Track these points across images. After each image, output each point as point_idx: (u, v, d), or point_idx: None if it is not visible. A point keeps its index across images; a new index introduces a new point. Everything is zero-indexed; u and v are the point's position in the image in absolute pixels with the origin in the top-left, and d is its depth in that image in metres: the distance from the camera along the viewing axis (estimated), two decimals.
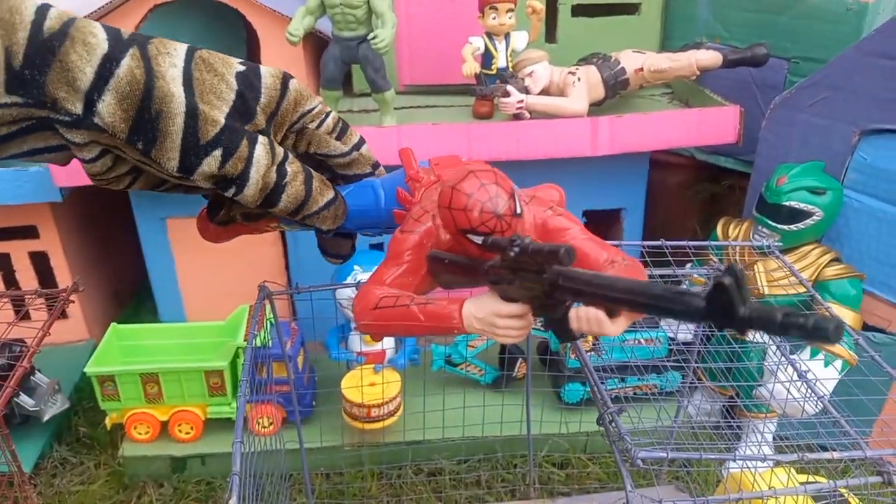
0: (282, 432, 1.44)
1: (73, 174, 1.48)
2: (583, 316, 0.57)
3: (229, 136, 0.62)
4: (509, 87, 1.53)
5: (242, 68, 0.65)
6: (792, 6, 1.62)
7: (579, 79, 1.58)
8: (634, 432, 0.91)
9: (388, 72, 1.53)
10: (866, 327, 1.46)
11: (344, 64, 1.54)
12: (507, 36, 1.58)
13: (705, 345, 1.40)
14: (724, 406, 1.60)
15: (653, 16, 1.85)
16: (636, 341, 1.56)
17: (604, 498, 1.43)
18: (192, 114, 0.60)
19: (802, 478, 1.09)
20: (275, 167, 0.66)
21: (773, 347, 1.28)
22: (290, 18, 1.47)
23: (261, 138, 0.65)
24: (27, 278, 1.78)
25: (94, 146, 0.61)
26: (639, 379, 1.58)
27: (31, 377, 1.52)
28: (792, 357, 1.15)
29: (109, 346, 1.55)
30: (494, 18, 1.54)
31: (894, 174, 1.38)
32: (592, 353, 1.55)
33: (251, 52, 1.82)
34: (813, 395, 1.03)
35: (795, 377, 1.10)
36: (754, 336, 1.46)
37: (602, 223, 1.85)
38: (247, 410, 0.92)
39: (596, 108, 1.63)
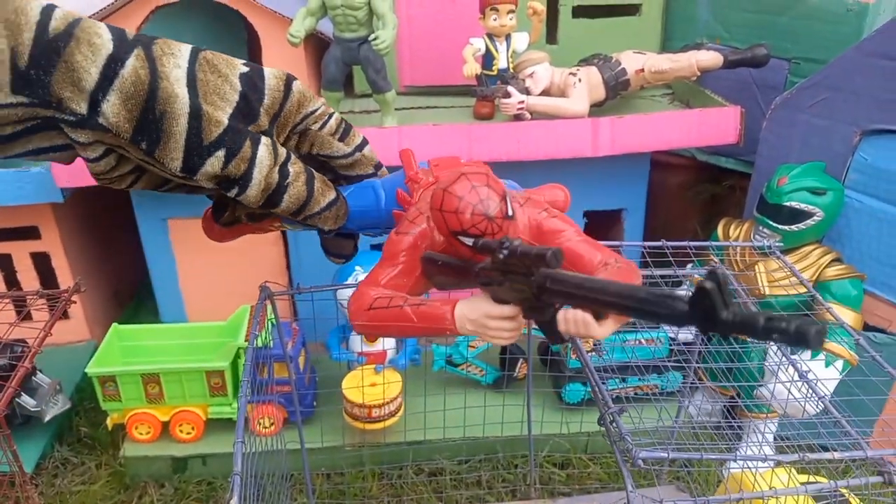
0: (283, 432, 1.45)
1: (75, 175, 1.48)
2: (570, 318, 0.57)
3: (232, 137, 0.62)
4: (510, 88, 1.54)
5: (246, 70, 0.65)
6: (792, 7, 1.62)
7: (580, 80, 1.58)
8: (635, 432, 0.91)
9: (388, 73, 1.53)
10: (867, 327, 1.46)
11: (345, 65, 1.54)
12: (507, 37, 1.58)
13: (706, 345, 1.40)
14: (724, 406, 1.60)
15: (653, 17, 1.85)
16: (637, 341, 1.56)
17: (605, 498, 1.43)
18: (196, 114, 0.60)
19: (803, 478, 1.09)
20: (277, 168, 0.66)
21: (774, 347, 1.28)
22: (291, 20, 1.48)
23: (264, 139, 0.65)
24: (28, 279, 1.79)
25: (98, 146, 0.61)
26: (640, 379, 1.59)
27: (33, 377, 1.52)
28: (793, 357, 1.15)
29: (110, 346, 1.56)
30: (495, 19, 1.54)
31: (894, 174, 1.38)
32: (593, 353, 1.56)
33: (252, 53, 1.83)
34: (814, 395, 1.03)
35: (796, 377, 1.10)
36: None
37: (603, 224, 1.85)
38: (248, 411, 0.93)
39: (597, 108, 1.63)
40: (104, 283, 1.98)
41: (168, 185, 0.70)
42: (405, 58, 1.80)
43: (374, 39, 1.43)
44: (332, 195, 0.73)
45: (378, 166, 0.78)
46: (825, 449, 0.91)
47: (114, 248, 2.02)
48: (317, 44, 1.74)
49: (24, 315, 1.35)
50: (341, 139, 0.73)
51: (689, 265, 1.37)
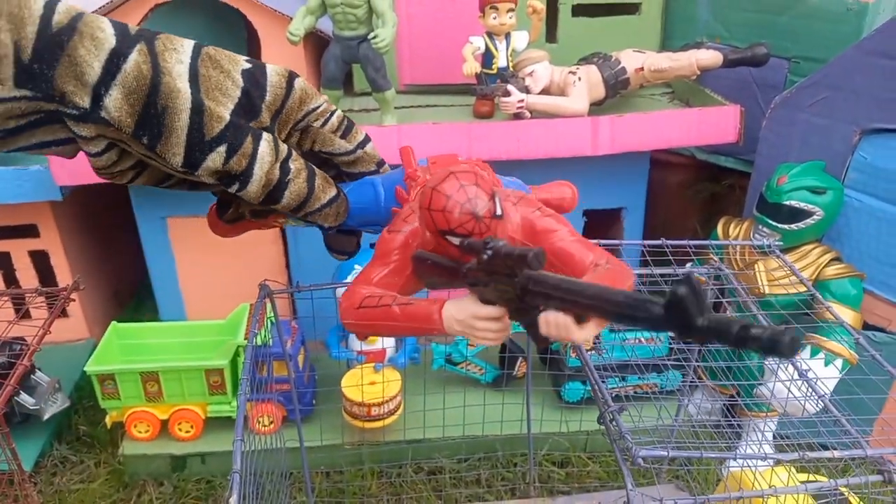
0: (282, 431, 1.45)
1: (74, 173, 1.48)
2: (550, 321, 0.56)
3: (234, 133, 0.62)
4: (510, 87, 1.54)
5: (249, 66, 0.65)
6: (792, 6, 1.62)
7: (580, 78, 1.58)
8: (635, 431, 0.91)
9: (388, 71, 1.53)
10: (866, 326, 1.46)
11: (345, 63, 1.54)
12: (507, 36, 1.58)
13: (706, 344, 1.40)
14: (724, 405, 1.60)
15: (653, 15, 1.85)
16: (637, 340, 1.56)
17: (604, 496, 1.43)
18: (198, 110, 0.60)
19: (803, 476, 1.09)
20: (278, 164, 0.66)
21: None
22: (291, 18, 1.48)
23: (265, 135, 0.65)
24: (27, 277, 1.78)
25: (100, 140, 0.61)
26: (639, 378, 1.59)
27: (32, 376, 1.52)
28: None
29: (109, 344, 1.56)
30: (495, 18, 1.54)
31: (894, 174, 1.38)
32: (593, 351, 1.56)
33: (252, 51, 1.83)
34: (814, 393, 1.03)
35: (796, 376, 1.10)
36: None
37: (603, 222, 1.85)
38: (247, 409, 0.93)
39: (596, 107, 1.63)
40: (103, 281, 1.98)
41: (170, 181, 0.70)
42: (405, 56, 1.80)
43: (374, 38, 1.43)
44: (332, 192, 0.73)
45: (380, 163, 0.78)
46: (825, 447, 0.91)
47: (113, 246, 2.01)
48: (316, 42, 1.74)
49: (22, 313, 1.34)
50: (343, 136, 0.73)
51: (689, 264, 1.37)
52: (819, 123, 1.48)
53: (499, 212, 0.63)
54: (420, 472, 1.56)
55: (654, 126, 1.58)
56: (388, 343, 1.61)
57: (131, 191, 1.64)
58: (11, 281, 1.79)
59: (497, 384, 1.65)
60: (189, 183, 0.70)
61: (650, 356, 1.57)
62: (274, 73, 0.66)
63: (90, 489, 1.51)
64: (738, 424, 1.55)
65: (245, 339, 1.50)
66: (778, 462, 1.07)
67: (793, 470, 1.06)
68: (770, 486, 0.90)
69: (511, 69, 1.59)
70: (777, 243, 1.38)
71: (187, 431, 1.54)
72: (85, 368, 1.47)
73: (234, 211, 0.78)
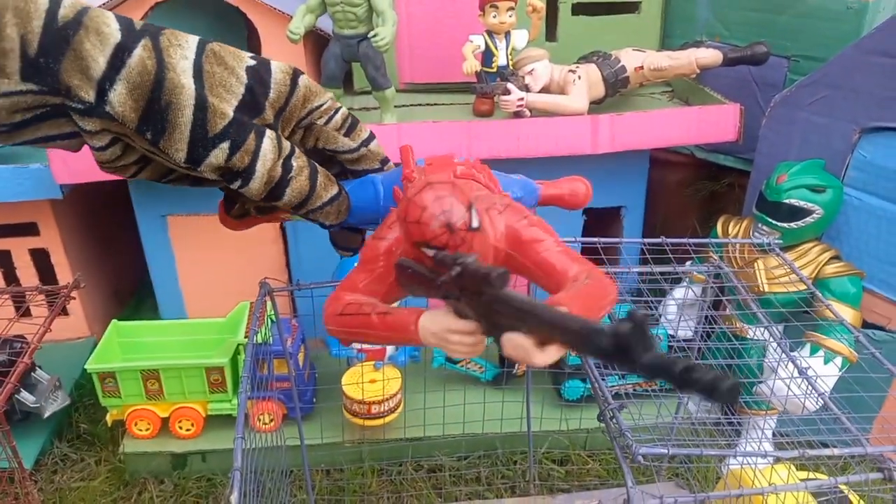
0: (282, 429, 1.45)
1: (74, 171, 1.48)
2: (512, 342, 0.55)
3: (237, 130, 0.63)
4: (510, 85, 1.54)
5: (253, 63, 0.65)
6: (792, 5, 1.62)
7: (580, 77, 1.58)
8: (635, 429, 0.92)
9: (388, 70, 1.53)
10: (866, 324, 1.46)
11: (345, 62, 1.54)
12: (507, 34, 1.58)
13: (705, 342, 1.40)
14: (724, 403, 1.60)
15: (653, 14, 1.85)
16: None
17: (604, 494, 1.43)
18: (202, 106, 0.60)
19: (803, 474, 1.09)
20: (280, 161, 0.66)
21: (774, 344, 1.28)
22: (291, 16, 1.48)
23: (268, 132, 0.65)
24: (28, 275, 1.78)
25: (105, 134, 0.61)
26: (638, 376, 1.59)
27: (32, 374, 1.52)
28: (792, 354, 1.15)
29: (110, 342, 1.56)
30: (495, 17, 1.54)
31: (894, 172, 1.38)
32: None
33: (252, 50, 1.82)
34: (813, 391, 1.03)
35: (796, 374, 1.10)
36: (754, 333, 1.47)
37: (602, 221, 1.85)
38: (248, 407, 0.93)
39: (596, 106, 1.63)
40: (103, 279, 1.98)
41: (172, 176, 0.70)
42: (405, 55, 1.80)
43: (374, 36, 1.43)
44: (334, 190, 0.73)
45: (384, 161, 0.78)
46: (825, 445, 0.91)
47: (113, 244, 2.01)
48: (316, 41, 1.74)
49: (23, 311, 1.35)
50: (347, 134, 0.73)
51: (689, 262, 1.37)
52: (819, 122, 1.48)
53: (475, 224, 0.62)
54: (420, 469, 1.56)
55: (654, 125, 1.58)
56: None
57: (131, 189, 1.64)
58: (12, 279, 1.79)
59: (497, 382, 1.65)
60: (191, 178, 0.70)
61: None
62: (278, 70, 0.66)
63: (91, 487, 1.51)
64: (737, 422, 1.55)
65: (245, 337, 1.51)
66: (778, 460, 1.07)
67: (793, 468, 1.06)
68: (770, 484, 0.90)
69: (511, 68, 1.59)
70: (777, 241, 1.38)
71: (188, 429, 1.54)
72: (85, 366, 1.47)
73: (240, 207, 0.79)
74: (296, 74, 0.68)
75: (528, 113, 1.58)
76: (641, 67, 1.64)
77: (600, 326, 0.46)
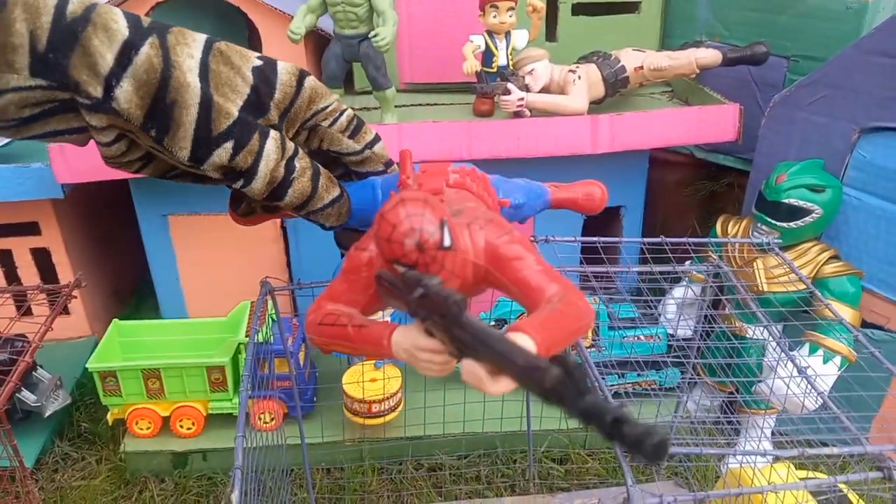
0: (283, 427, 1.45)
1: (75, 171, 1.48)
2: (467, 369, 0.54)
3: (241, 130, 0.63)
4: (510, 85, 1.54)
5: (260, 63, 0.65)
6: (792, 5, 1.63)
7: (579, 77, 1.58)
8: None
9: (389, 70, 1.54)
10: (865, 324, 1.47)
11: (345, 62, 1.55)
12: (507, 34, 1.58)
13: (705, 341, 1.41)
14: (723, 402, 1.60)
15: (653, 14, 1.85)
16: (636, 338, 1.56)
17: (603, 493, 1.43)
18: (207, 105, 0.61)
19: (802, 473, 1.09)
20: (284, 162, 0.67)
21: (773, 343, 1.28)
22: (292, 16, 1.48)
23: (272, 133, 0.65)
24: (29, 275, 1.79)
25: (111, 130, 0.62)
26: (638, 375, 1.59)
27: (33, 373, 1.52)
28: (792, 353, 1.15)
29: (111, 342, 1.56)
30: (495, 17, 1.54)
31: (893, 172, 1.38)
32: (593, 349, 1.56)
33: (252, 49, 1.83)
34: (812, 390, 1.04)
35: (795, 373, 1.11)
36: (754, 332, 1.47)
37: (601, 221, 1.85)
38: (249, 406, 0.93)
39: (596, 106, 1.63)
40: (104, 279, 1.98)
41: (174, 172, 0.71)
42: (405, 55, 1.80)
43: (375, 36, 1.43)
44: (336, 192, 0.73)
45: (388, 164, 0.78)
46: (824, 444, 0.92)
47: (114, 244, 2.02)
48: (317, 40, 1.74)
49: (24, 310, 1.35)
50: (351, 136, 0.73)
51: (688, 262, 1.38)
52: (818, 122, 1.48)
53: (446, 243, 0.61)
54: (420, 468, 1.56)
55: (654, 124, 1.58)
56: None
57: (132, 188, 1.64)
58: (13, 278, 1.79)
59: None
60: (193, 176, 0.70)
61: (649, 353, 1.58)
62: (284, 71, 0.67)
63: (91, 486, 1.51)
64: (737, 421, 1.55)
65: (246, 336, 1.51)
66: (777, 459, 1.07)
67: (792, 467, 1.06)
68: (769, 483, 0.90)
69: (511, 67, 1.60)
70: (776, 241, 1.39)
71: (189, 428, 1.54)
72: (87, 365, 1.47)
73: (246, 206, 0.79)
74: (302, 76, 0.68)
75: (528, 113, 1.58)
76: (641, 67, 1.64)
77: (542, 366, 0.45)
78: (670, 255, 1.20)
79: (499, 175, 0.88)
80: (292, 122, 0.69)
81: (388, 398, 1.50)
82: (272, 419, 1.54)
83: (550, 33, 1.84)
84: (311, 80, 0.68)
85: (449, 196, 0.75)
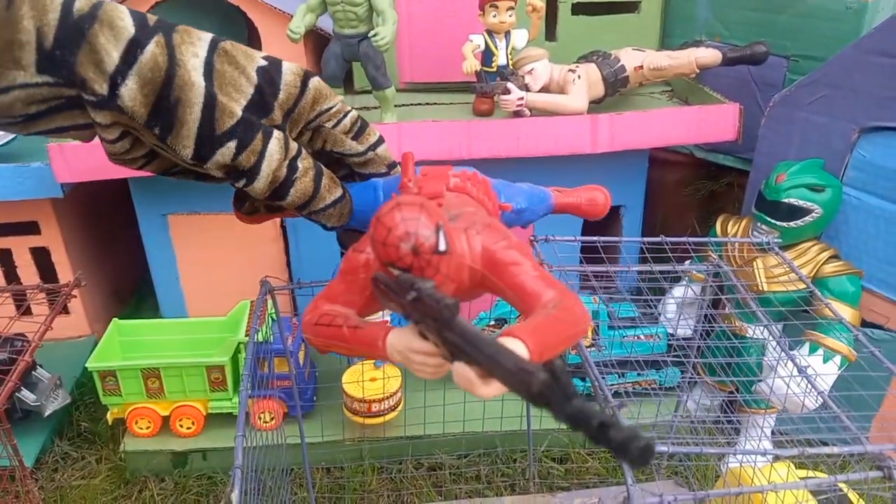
0: (283, 427, 1.45)
1: (75, 170, 1.48)
2: (458, 372, 0.54)
3: (245, 129, 0.63)
4: (509, 85, 1.54)
5: (265, 63, 0.65)
6: (791, 5, 1.63)
7: (579, 76, 1.58)
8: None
9: (388, 69, 1.53)
10: (865, 324, 1.47)
11: (345, 61, 1.55)
12: (507, 34, 1.58)
13: (705, 340, 1.41)
14: (723, 401, 1.60)
15: (653, 14, 1.85)
16: (636, 337, 1.56)
17: (604, 493, 1.43)
18: (210, 104, 0.61)
19: (802, 473, 1.09)
20: (286, 162, 0.67)
21: (773, 343, 1.28)
22: (291, 16, 1.48)
23: (276, 133, 0.66)
24: (28, 274, 1.79)
25: (116, 127, 0.62)
26: (638, 374, 1.59)
27: (33, 372, 1.52)
28: (791, 353, 1.15)
29: (111, 341, 1.56)
30: (495, 16, 1.54)
31: (893, 172, 1.38)
32: (593, 348, 1.56)
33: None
34: (812, 390, 1.04)
35: (795, 372, 1.11)
36: (754, 331, 1.47)
37: (601, 220, 1.85)
38: (248, 405, 0.93)
39: (596, 105, 1.63)
40: (104, 278, 1.98)
41: (177, 169, 0.71)
42: (405, 54, 1.80)
43: (374, 36, 1.43)
44: (338, 193, 0.73)
45: (392, 166, 0.78)
46: (824, 444, 0.92)
47: (114, 243, 2.02)
48: (317, 40, 1.74)
49: (24, 309, 1.35)
50: (355, 138, 0.73)
51: (688, 261, 1.38)
52: (818, 121, 1.48)
53: (441, 247, 0.61)
54: (420, 467, 1.56)
55: (653, 124, 1.58)
56: None
57: (132, 188, 1.64)
58: (12, 278, 1.79)
59: None
60: (196, 174, 0.71)
61: (649, 353, 1.58)
62: (289, 71, 0.67)
63: (91, 485, 1.51)
64: (737, 421, 1.55)
65: (246, 335, 1.51)
66: (777, 458, 1.07)
67: (792, 466, 1.06)
68: (769, 483, 0.90)
69: (511, 67, 1.60)
70: (776, 241, 1.39)
71: (188, 428, 1.54)
72: (86, 365, 1.47)
73: (250, 205, 0.79)
74: (307, 77, 0.68)
75: (527, 112, 1.58)
76: (641, 67, 1.64)
77: (529, 370, 0.45)
78: (670, 254, 1.20)
79: (501, 179, 0.88)
80: (296, 123, 0.69)
81: (387, 397, 1.50)
82: (272, 418, 1.54)
83: (550, 33, 1.84)
84: (315, 82, 0.69)
85: (449, 200, 0.75)
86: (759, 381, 1.40)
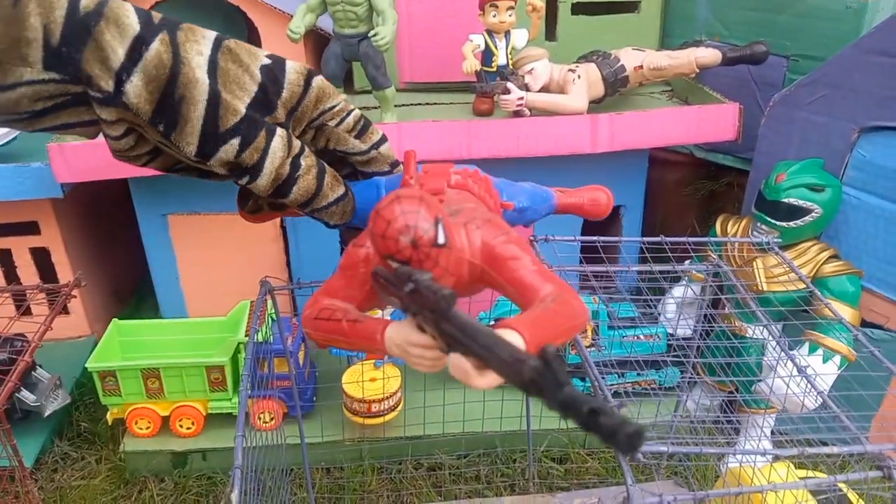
0: (283, 427, 1.45)
1: (75, 170, 1.48)
2: (454, 364, 0.54)
3: (248, 127, 0.64)
4: (509, 85, 1.54)
5: (268, 62, 0.66)
6: (791, 4, 1.63)
7: (579, 76, 1.58)
8: None
9: (388, 69, 1.53)
10: (865, 323, 1.47)
11: (345, 61, 1.55)
12: (507, 33, 1.58)
13: (704, 340, 1.41)
14: (723, 401, 1.60)
15: (652, 14, 1.85)
16: (636, 337, 1.56)
17: (603, 493, 1.43)
18: (214, 101, 0.61)
19: (802, 473, 1.09)
20: (289, 160, 0.67)
21: (773, 342, 1.28)
22: (291, 16, 1.48)
23: (279, 131, 0.66)
24: (28, 274, 1.79)
25: (121, 124, 0.62)
26: (637, 374, 1.59)
27: (33, 372, 1.52)
28: (791, 352, 1.15)
29: (110, 341, 1.56)
30: (495, 16, 1.54)
31: (893, 171, 1.38)
32: (592, 348, 1.56)
33: None
34: (812, 390, 1.04)
35: (795, 372, 1.11)
36: (753, 331, 1.47)
37: (601, 220, 1.85)
38: (248, 405, 0.93)
39: (596, 105, 1.63)
40: (104, 278, 1.98)
41: (180, 166, 0.71)
42: (405, 54, 1.80)
43: (374, 36, 1.43)
44: (340, 191, 0.73)
45: (394, 164, 0.79)
46: (824, 444, 0.92)
47: (114, 243, 2.02)
48: (317, 40, 1.74)
49: (23, 309, 1.35)
50: (358, 136, 0.74)
51: (688, 261, 1.38)
52: (818, 121, 1.48)
53: (441, 240, 0.61)
54: (420, 468, 1.56)
55: (653, 124, 1.58)
56: None
57: (132, 188, 1.64)
58: (12, 278, 1.79)
59: None
60: (199, 170, 0.71)
61: (649, 353, 1.58)
62: (293, 70, 0.67)
63: (91, 485, 1.51)
64: (736, 421, 1.55)
65: (246, 335, 1.51)
66: (777, 458, 1.07)
67: (792, 466, 1.06)
68: (769, 483, 0.90)
69: (511, 67, 1.60)
70: (776, 240, 1.39)
71: (188, 428, 1.54)
72: (86, 365, 1.47)
73: (253, 203, 0.80)
74: (310, 75, 0.68)
75: (527, 112, 1.58)
76: (641, 67, 1.64)
77: (522, 358, 0.46)
78: (670, 254, 1.20)
79: (504, 178, 0.88)
80: (299, 121, 0.69)
81: (387, 398, 1.50)
82: (272, 419, 1.54)
83: (550, 32, 1.84)
84: (318, 80, 0.69)
85: (450, 196, 0.75)
86: (759, 381, 1.40)
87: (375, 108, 1.63)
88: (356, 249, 0.72)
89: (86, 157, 1.46)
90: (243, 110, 0.63)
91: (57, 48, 0.56)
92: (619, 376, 1.59)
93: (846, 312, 1.38)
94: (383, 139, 0.76)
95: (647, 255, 1.21)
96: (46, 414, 1.52)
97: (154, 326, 1.64)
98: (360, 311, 0.71)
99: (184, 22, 0.64)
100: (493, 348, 0.49)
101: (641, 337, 1.57)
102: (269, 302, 1.11)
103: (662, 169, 2.05)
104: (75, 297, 1.34)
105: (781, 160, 1.50)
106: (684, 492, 1.20)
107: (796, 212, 1.42)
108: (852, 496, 1.07)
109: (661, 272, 1.20)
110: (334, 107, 0.71)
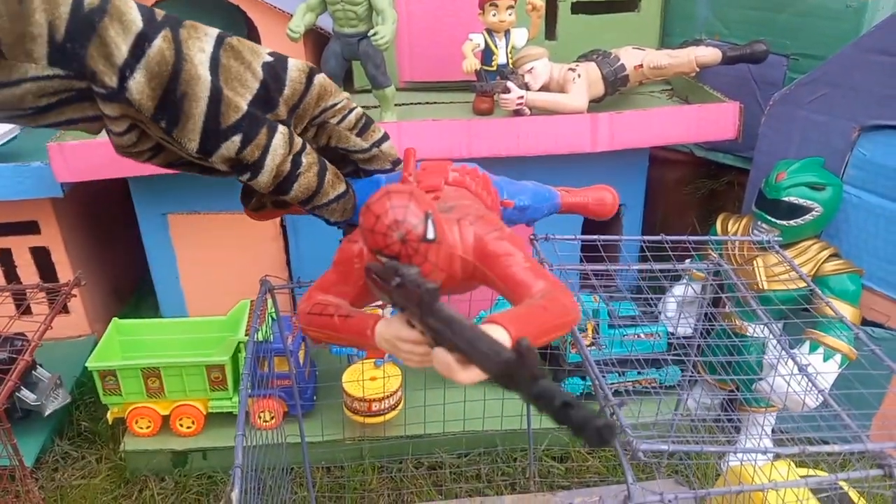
0: (283, 426, 1.45)
1: (75, 170, 1.48)
2: (438, 358, 0.55)
3: (250, 124, 0.64)
4: (509, 84, 1.54)
5: (270, 59, 0.66)
6: (791, 3, 1.63)
7: (579, 75, 1.58)
8: (634, 426, 0.92)
9: (388, 68, 1.54)
10: (865, 322, 1.47)
11: (345, 60, 1.55)
12: (507, 33, 1.58)
13: (705, 339, 1.41)
14: (723, 400, 1.60)
15: (652, 13, 1.85)
16: (636, 336, 1.56)
17: (604, 491, 1.43)
18: (216, 98, 0.61)
19: (803, 471, 1.09)
20: (290, 157, 0.67)
21: (774, 341, 1.28)
22: (291, 15, 1.48)
23: (280, 128, 0.66)
24: (28, 273, 1.78)
25: (124, 120, 0.62)
26: (638, 373, 1.59)
27: (33, 372, 1.52)
28: (792, 351, 1.15)
29: (111, 340, 1.56)
30: (495, 15, 1.54)
31: (893, 170, 1.38)
32: (593, 347, 1.56)
33: None
34: (813, 388, 1.04)
35: (795, 371, 1.11)
36: (754, 330, 1.47)
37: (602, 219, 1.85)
38: (248, 404, 0.93)
39: (596, 104, 1.63)
40: (104, 277, 1.98)
41: (181, 161, 0.71)
42: (405, 53, 1.80)
43: (374, 35, 1.43)
44: (341, 188, 0.73)
45: (396, 162, 0.79)
46: (825, 442, 0.92)
47: (114, 243, 2.02)
48: (316, 39, 1.74)
49: (23, 309, 1.35)
50: (359, 134, 0.74)
51: (688, 260, 1.38)
52: (818, 120, 1.48)
53: (430, 235, 0.61)
54: (420, 466, 1.56)
55: (654, 123, 1.58)
56: None
57: (132, 187, 1.64)
58: (12, 277, 1.79)
59: None
60: (201, 167, 0.71)
61: (650, 351, 1.58)
62: (294, 67, 0.67)
63: (91, 485, 1.51)
64: (737, 419, 1.55)
65: (246, 334, 1.51)
66: (778, 456, 1.07)
67: (792, 464, 1.06)
68: (770, 481, 0.90)
69: (511, 66, 1.60)
70: (776, 239, 1.38)
71: (188, 427, 1.54)
72: (86, 364, 1.47)
73: (257, 200, 0.80)
74: (312, 73, 0.68)
75: (527, 111, 1.58)
76: (641, 66, 1.64)
77: (498, 351, 0.46)
78: (670, 253, 1.20)
79: (506, 177, 0.88)
80: (301, 119, 0.70)
81: (388, 397, 1.50)
82: (272, 418, 1.54)
83: (550, 32, 1.84)
84: (320, 78, 0.69)
85: (446, 193, 0.75)
86: (760, 379, 1.39)
87: (375, 107, 1.63)
88: (350, 245, 0.72)
89: (85, 157, 1.46)
90: (245, 107, 0.63)
91: (62, 44, 0.56)
92: (619, 375, 1.59)
93: (847, 311, 1.38)
94: (385, 137, 0.76)
95: (647, 253, 1.21)
96: (47, 413, 1.52)
97: (154, 326, 1.64)
98: (354, 306, 0.72)
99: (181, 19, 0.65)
100: (474, 342, 0.49)
101: (642, 335, 1.57)
102: (270, 301, 1.11)
103: (663, 168, 2.05)
104: (75, 296, 1.34)
105: (782, 159, 1.50)
106: (685, 490, 1.20)
107: (797, 210, 1.42)
108: (853, 494, 1.07)
109: (661, 271, 1.20)
110: (336, 104, 0.71)
